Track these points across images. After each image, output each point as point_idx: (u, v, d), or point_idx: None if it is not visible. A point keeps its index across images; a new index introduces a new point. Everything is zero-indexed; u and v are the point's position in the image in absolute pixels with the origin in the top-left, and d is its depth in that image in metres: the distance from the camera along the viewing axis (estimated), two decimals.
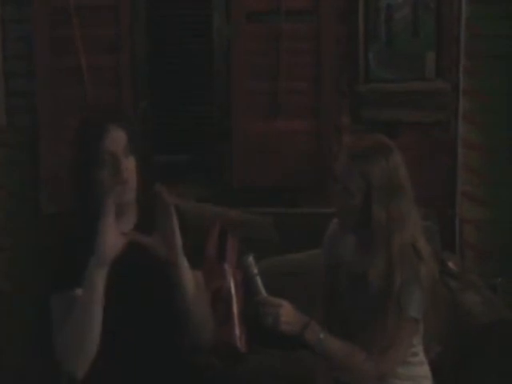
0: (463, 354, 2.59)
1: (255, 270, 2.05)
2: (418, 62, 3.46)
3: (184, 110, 3.58)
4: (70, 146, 2.10)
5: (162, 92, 3.55)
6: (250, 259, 2.05)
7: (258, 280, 2.04)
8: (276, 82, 3.45)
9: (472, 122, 3.52)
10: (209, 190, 3.52)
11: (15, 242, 3.58)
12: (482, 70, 3.50)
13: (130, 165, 2.01)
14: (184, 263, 1.99)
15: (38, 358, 3.12)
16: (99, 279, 1.90)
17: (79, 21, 3.42)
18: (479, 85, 3.50)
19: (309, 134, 3.49)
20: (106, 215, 1.89)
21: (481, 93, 3.51)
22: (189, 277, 2.00)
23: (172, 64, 3.56)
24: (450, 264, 3.11)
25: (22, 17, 3.50)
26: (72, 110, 3.45)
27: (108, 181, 1.98)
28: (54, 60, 3.46)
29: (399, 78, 3.47)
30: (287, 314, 2.01)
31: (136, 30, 3.51)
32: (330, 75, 3.47)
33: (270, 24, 3.46)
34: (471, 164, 3.53)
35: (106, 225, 1.89)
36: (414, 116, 3.47)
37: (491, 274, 3.46)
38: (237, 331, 2.74)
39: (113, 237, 1.90)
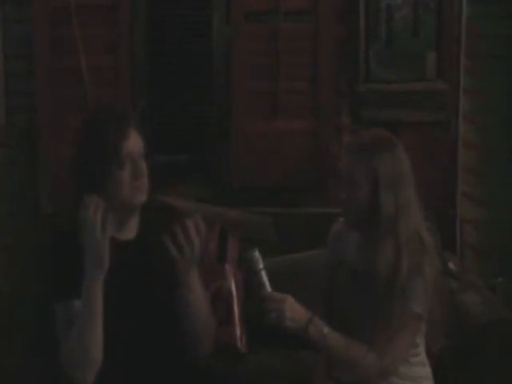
0: (463, 354, 2.59)
1: (261, 265, 2.02)
2: (418, 62, 3.46)
3: (184, 109, 3.58)
4: (79, 144, 2.06)
5: (162, 92, 3.55)
6: (256, 254, 2.03)
7: (264, 275, 2.02)
8: (276, 82, 3.45)
9: (472, 122, 3.52)
10: (209, 190, 3.52)
11: (15, 241, 3.58)
12: (483, 70, 3.50)
13: (144, 167, 2.02)
14: (196, 275, 2.00)
15: (38, 358, 3.12)
16: (98, 290, 1.90)
17: (79, 21, 3.42)
18: (479, 85, 3.50)
19: (308, 134, 3.49)
20: (99, 225, 1.88)
21: (481, 93, 3.51)
22: (198, 284, 2.02)
23: (172, 64, 3.56)
24: (450, 264, 3.11)
25: (22, 17, 3.50)
26: (72, 110, 3.46)
27: (128, 182, 1.98)
28: (53, 60, 3.45)
29: (399, 78, 3.47)
30: (291, 309, 2.00)
31: (136, 30, 3.51)
32: (329, 75, 3.47)
33: (269, 24, 3.46)
34: (471, 164, 3.53)
35: (103, 236, 1.89)
36: (414, 116, 3.47)
37: (491, 274, 3.46)
38: (237, 331, 2.74)
39: (106, 246, 1.89)
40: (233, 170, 3.52)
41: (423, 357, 2.19)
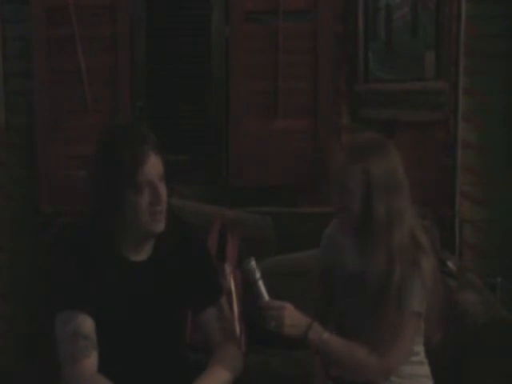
0: (463, 354, 2.59)
1: (258, 275, 2.02)
2: (418, 61, 3.47)
3: (184, 109, 3.58)
4: (94, 167, 1.96)
5: (162, 92, 3.55)
6: (252, 263, 2.03)
7: (261, 284, 2.02)
8: (275, 81, 3.46)
9: (471, 121, 3.52)
10: (209, 190, 3.53)
11: (15, 241, 3.58)
12: (482, 69, 3.50)
13: (164, 192, 1.95)
14: None
15: (37, 358, 3.12)
16: None
17: (79, 21, 3.42)
18: (478, 84, 3.51)
19: (308, 134, 3.49)
20: None
21: (480, 92, 3.51)
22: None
23: (172, 64, 3.56)
24: (449, 264, 3.11)
25: (22, 17, 3.50)
26: (72, 110, 3.46)
27: (145, 208, 1.92)
28: (53, 60, 3.46)
29: (398, 78, 3.48)
30: (290, 316, 2.00)
31: (136, 30, 3.51)
32: (328, 75, 3.47)
33: (268, 24, 3.46)
34: (470, 164, 3.54)
35: None
36: (413, 116, 3.47)
37: (490, 274, 3.47)
38: (237, 331, 2.74)
39: None
40: (232, 170, 3.52)
41: (422, 355, 2.19)
